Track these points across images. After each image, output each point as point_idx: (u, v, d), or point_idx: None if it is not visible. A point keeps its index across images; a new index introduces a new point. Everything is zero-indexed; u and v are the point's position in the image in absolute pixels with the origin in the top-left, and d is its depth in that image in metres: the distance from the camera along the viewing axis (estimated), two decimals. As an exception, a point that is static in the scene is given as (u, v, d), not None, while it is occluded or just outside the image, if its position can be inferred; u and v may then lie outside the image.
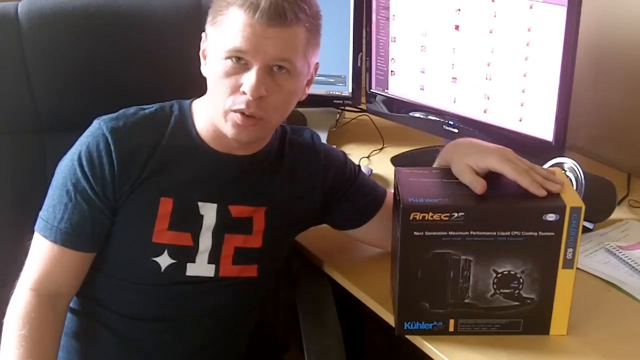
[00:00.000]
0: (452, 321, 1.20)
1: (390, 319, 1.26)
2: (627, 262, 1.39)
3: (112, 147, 1.20)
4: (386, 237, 1.30)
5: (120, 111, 1.25)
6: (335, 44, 1.81)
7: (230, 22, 1.15)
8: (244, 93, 1.15)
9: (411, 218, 1.12)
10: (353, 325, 1.35)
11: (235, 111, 1.17)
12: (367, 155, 1.86)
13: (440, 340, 1.20)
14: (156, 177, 1.22)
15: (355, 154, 1.85)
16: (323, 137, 1.88)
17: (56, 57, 1.38)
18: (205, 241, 1.26)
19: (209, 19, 1.20)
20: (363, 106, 1.92)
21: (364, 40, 1.80)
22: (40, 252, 1.22)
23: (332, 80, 1.86)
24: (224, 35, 1.16)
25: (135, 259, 1.25)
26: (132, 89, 1.40)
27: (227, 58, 1.16)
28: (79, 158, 1.21)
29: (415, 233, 1.13)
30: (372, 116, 1.93)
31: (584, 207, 1.12)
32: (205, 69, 1.23)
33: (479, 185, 1.15)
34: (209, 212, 1.25)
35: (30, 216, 1.23)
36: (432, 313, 1.19)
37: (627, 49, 1.70)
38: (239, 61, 1.15)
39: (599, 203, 1.51)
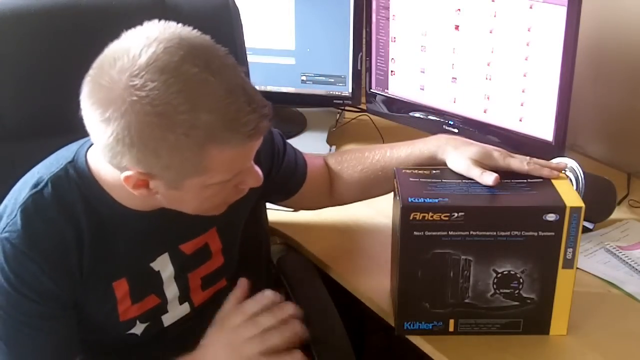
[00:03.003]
0: (452, 321, 1.20)
1: (390, 319, 1.26)
2: (627, 262, 1.39)
3: (38, 263, 1.03)
4: (310, 202, 1.37)
5: (16, 210, 1.05)
6: (335, 44, 1.81)
7: (224, 159, 0.97)
8: (248, 187, 1.08)
9: (411, 218, 1.12)
10: (353, 325, 1.35)
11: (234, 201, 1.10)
12: (367, 155, 1.85)
13: (440, 340, 1.20)
14: (98, 267, 1.09)
15: (355, 154, 1.84)
16: (323, 137, 1.88)
17: (19, 62, 1.31)
18: (171, 290, 1.21)
19: (160, 159, 0.95)
20: (363, 106, 1.92)
21: (364, 40, 1.80)
22: None
23: (332, 80, 1.86)
24: (216, 171, 0.99)
25: (110, 338, 1.19)
26: None
27: (221, 183, 1.02)
28: (13, 287, 1.03)
29: (415, 233, 1.13)
30: (372, 116, 1.92)
31: (584, 207, 1.12)
32: (148, 193, 1.02)
33: (492, 177, 1.15)
34: (163, 264, 1.18)
35: None
36: (432, 313, 1.19)
37: (627, 49, 1.70)
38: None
39: (599, 203, 1.50)
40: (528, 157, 1.22)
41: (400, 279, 1.17)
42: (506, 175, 1.18)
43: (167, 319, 1.22)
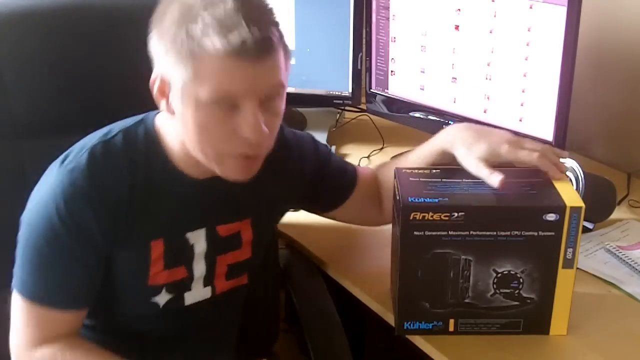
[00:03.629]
0: (452, 321, 1.20)
1: (390, 319, 1.26)
2: (627, 262, 1.39)
3: (91, 198, 1.09)
4: (361, 215, 1.35)
5: (84, 150, 1.12)
6: (335, 44, 1.81)
7: (211, 68, 1.02)
8: (243, 136, 1.06)
9: (411, 218, 1.12)
10: (353, 325, 1.35)
11: (234, 155, 1.09)
12: (367, 155, 1.85)
13: (440, 340, 1.20)
14: (142, 222, 1.14)
15: (355, 154, 1.85)
16: (323, 137, 1.88)
17: (30, 59, 1.33)
18: (199, 268, 1.23)
19: (169, 59, 1.05)
20: (363, 106, 1.92)
21: (364, 40, 1.80)
22: (29, 316, 1.13)
23: (332, 80, 1.86)
24: (203, 82, 1.03)
25: (132, 303, 1.22)
26: (110, 88, 1.37)
27: (213, 105, 1.04)
28: (59, 216, 1.08)
29: (416, 233, 1.13)
30: (372, 116, 1.93)
31: (584, 207, 1.12)
32: (167, 108, 1.10)
33: (497, 180, 1.15)
34: (198, 239, 1.21)
35: (10, 223, 1.14)
36: (432, 313, 1.19)
37: (627, 49, 1.70)
38: (228, 104, 1.04)
39: (599, 203, 1.50)
40: (541, 146, 1.21)
41: (400, 279, 1.17)
42: (510, 171, 1.18)
43: (189, 298, 1.24)
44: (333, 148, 1.84)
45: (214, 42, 1.00)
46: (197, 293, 1.25)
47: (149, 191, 1.14)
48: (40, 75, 1.34)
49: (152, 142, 1.15)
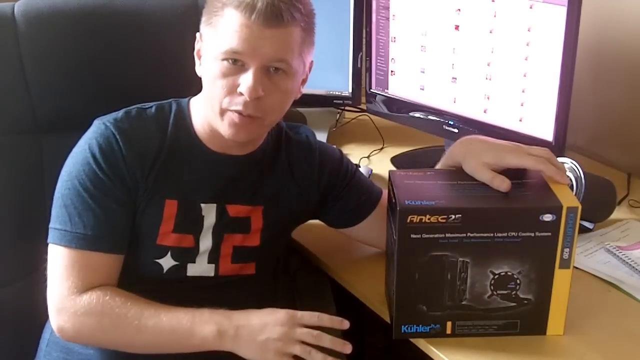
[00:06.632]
0: (449, 323, 1.19)
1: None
2: (627, 262, 1.39)
3: (122, 146, 1.20)
4: (381, 236, 1.31)
5: (121, 112, 1.24)
6: (335, 44, 1.81)
7: (226, 23, 1.15)
8: (241, 94, 1.16)
9: (408, 221, 1.12)
10: (353, 325, 1.35)
11: (232, 111, 1.17)
12: (367, 155, 1.86)
13: (439, 340, 1.20)
14: (161, 179, 1.23)
15: (355, 154, 1.85)
16: (323, 137, 1.88)
17: (53, 58, 1.38)
18: (206, 242, 1.27)
19: (203, 19, 1.20)
20: (363, 106, 1.92)
21: (364, 40, 1.80)
22: (71, 264, 1.18)
23: (332, 80, 1.86)
24: (219, 36, 1.16)
25: (138, 261, 1.25)
26: (129, 89, 1.40)
27: (223, 59, 1.16)
28: (94, 158, 1.19)
29: (413, 236, 1.13)
30: (372, 116, 1.93)
31: (580, 207, 1.12)
32: (200, 69, 1.23)
33: (504, 184, 1.15)
34: (209, 212, 1.26)
35: (28, 217, 1.23)
36: (430, 316, 1.19)
37: (627, 49, 1.69)
38: (236, 62, 1.15)
39: (599, 203, 1.50)
40: (545, 152, 1.20)
41: (397, 283, 1.17)
42: (505, 173, 1.18)
43: (191, 270, 1.27)
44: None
45: (232, 5, 1.14)
46: (200, 267, 1.28)
47: (172, 154, 1.24)
48: (62, 74, 1.40)
49: (182, 116, 1.26)
